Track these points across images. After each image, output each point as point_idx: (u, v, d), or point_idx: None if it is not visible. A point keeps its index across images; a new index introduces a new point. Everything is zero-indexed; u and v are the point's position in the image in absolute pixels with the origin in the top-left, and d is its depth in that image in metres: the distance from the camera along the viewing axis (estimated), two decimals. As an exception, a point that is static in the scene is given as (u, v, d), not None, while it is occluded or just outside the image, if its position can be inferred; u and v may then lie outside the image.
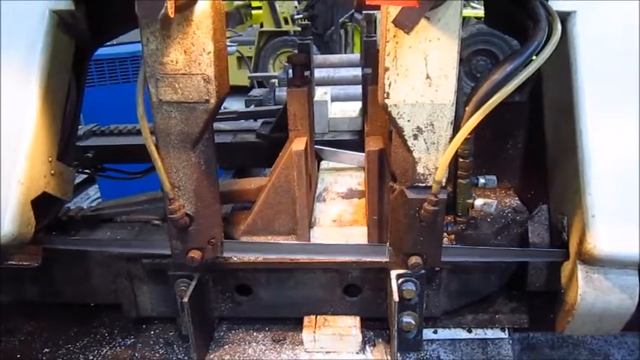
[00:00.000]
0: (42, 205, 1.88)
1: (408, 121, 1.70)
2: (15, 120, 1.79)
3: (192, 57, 1.68)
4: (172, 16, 1.49)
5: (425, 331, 2.20)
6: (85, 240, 2.21)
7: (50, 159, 1.92)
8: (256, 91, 5.41)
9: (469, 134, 1.68)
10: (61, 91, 1.98)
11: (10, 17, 1.81)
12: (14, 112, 1.79)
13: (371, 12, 3.20)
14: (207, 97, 1.73)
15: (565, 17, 1.78)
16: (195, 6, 1.62)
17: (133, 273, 2.25)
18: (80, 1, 1.87)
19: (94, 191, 6.27)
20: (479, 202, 1.87)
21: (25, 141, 1.79)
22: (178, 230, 1.93)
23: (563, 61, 1.81)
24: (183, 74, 1.70)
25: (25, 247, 1.93)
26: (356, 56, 5.91)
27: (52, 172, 1.94)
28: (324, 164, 2.89)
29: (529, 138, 2.43)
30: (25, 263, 2.02)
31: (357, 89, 4.58)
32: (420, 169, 1.78)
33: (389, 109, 1.69)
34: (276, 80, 5.62)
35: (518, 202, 2.44)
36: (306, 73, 2.38)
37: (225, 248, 2.05)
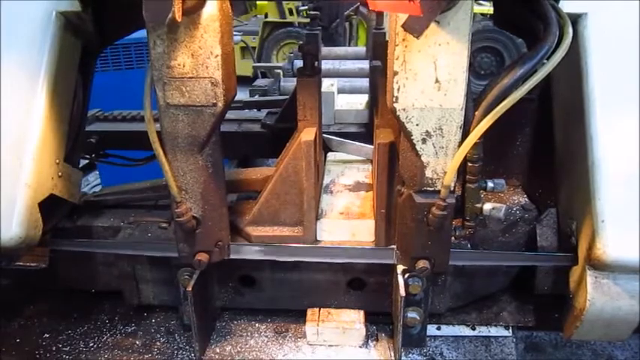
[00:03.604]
0: (49, 207, 1.88)
1: (417, 125, 1.69)
2: (22, 122, 1.79)
3: (199, 60, 1.67)
4: (179, 20, 1.49)
5: (428, 327, 2.21)
6: (92, 242, 2.22)
7: (57, 161, 1.92)
8: (261, 81, 5.38)
9: (478, 139, 1.67)
10: (68, 93, 1.97)
11: (16, 19, 1.81)
12: (21, 114, 1.79)
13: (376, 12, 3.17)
14: (214, 101, 1.73)
15: (576, 19, 1.76)
16: (202, 9, 1.60)
17: (136, 260, 2.26)
18: (87, 3, 1.86)
19: (93, 177, 6.27)
20: (487, 206, 1.86)
21: (32, 143, 1.79)
22: (185, 233, 1.93)
23: (573, 63, 1.79)
24: (191, 78, 1.69)
25: (33, 249, 1.93)
26: (361, 49, 5.86)
27: (59, 174, 1.94)
28: (330, 156, 2.87)
29: (538, 135, 2.42)
30: (32, 264, 2.03)
31: (363, 82, 4.55)
32: (428, 173, 1.77)
33: (397, 113, 1.68)
34: (280, 71, 5.60)
35: (527, 200, 2.44)
36: (316, 63, 2.36)
37: (232, 250, 2.05)
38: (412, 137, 1.71)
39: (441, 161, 1.75)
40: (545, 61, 1.65)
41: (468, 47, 1.58)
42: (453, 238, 1.92)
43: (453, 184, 1.75)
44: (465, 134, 1.70)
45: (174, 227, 1.96)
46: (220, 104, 1.74)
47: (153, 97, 1.75)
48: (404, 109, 1.67)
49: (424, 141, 1.72)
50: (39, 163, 1.81)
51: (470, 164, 1.83)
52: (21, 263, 2.01)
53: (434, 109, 1.66)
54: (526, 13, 1.84)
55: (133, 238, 2.25)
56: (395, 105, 1.67)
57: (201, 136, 1.79)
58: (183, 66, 1.68)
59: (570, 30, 1.64)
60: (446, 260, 1.91)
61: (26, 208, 1.77)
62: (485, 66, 10.10)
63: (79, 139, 2.15)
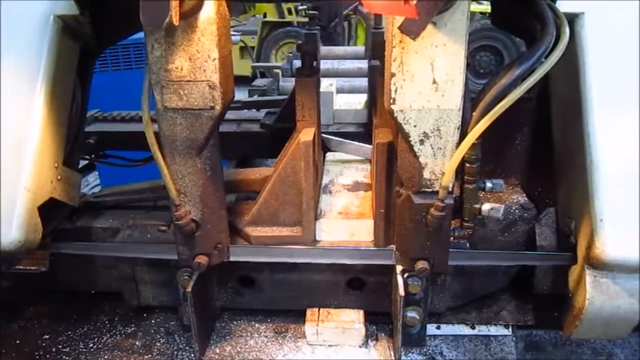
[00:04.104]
0: (49, 210, 1.88)
1: (415, 126, 1.70)
2: (21, 126, 1.79)
3: (197, 64, 1.67)
4: (176, 23, 1.49)
5: (428, 326, 2.21)
6: (92, 245, 2.22)
7: (56, 164, 1.92)
8: (260, 81, 5.39)
9: (476, 139, 1.67)
10: (67, 96, 1.97)
11: (14, 22, 1.80)
12: (20, 118, 1.79)
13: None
14: (212, 104, 1.73)
15: (573, 19, 1.76)
16: (199, 13, 1.61)
17: (135, 262, 2.26)
18: (84, 6, 1.86)
19: (93, 178, 6.25)
20: (486, 207, 1.87)
21: (31, 147, 1.79)
22: (184, 236, 1.93)
23: (570, 62, 1.79)
24: (189, 81, 1.69)
25: (33, 252, 1.93)
26: (360, 49, 5.87)
27: (59, 177, 1.94)
28: (329, 156, 2.88)
29: (536, 135, 2.42)
30: (32, 268, 2.03)
31: (362, 81, 4.55)
32: (426, 174, 1.77)
33: (395, 114, 1.68)
34: (279, 70, 5.60)
35: (526, 199, 2.44)
36: (315, 63, 2.36)
37: (231, 252, 2.05)
38: (410, 138, 1.72)
39: (439, 162, 1.75)
40: (542, 60, 1.65)
41: (465, 48, 1.59)
42: (452, 238, 1.92)
43: (451, 185, 1.76)
44: (463, 135, 1.70)
45: (173, 230, 1.96)
46: (218, 107, 1.74)
47: (151, 101, 1.75)
48: (401, 111, 1.67)
49: (422, 142, 1.72)
50: (38, 166, 1.80)
51: (468, 165, 1.83)
52: (21, 267, 2.02)
53: (431, 110, 1.66)
54: (523, 13, 1.84)
55: (132, 239, 2.25)
56: (392, 106, 1.67)
57: (199, 139, 1.79)
58: (181, 69, 1.68)
59: (567, 30, 1.64)
60: (445, 261, 1.91)
61: (26, 212, 1.76)
62: (485, 65, 10.12)
63: (77, 142, 2.14)
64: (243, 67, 9.55)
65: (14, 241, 1.75)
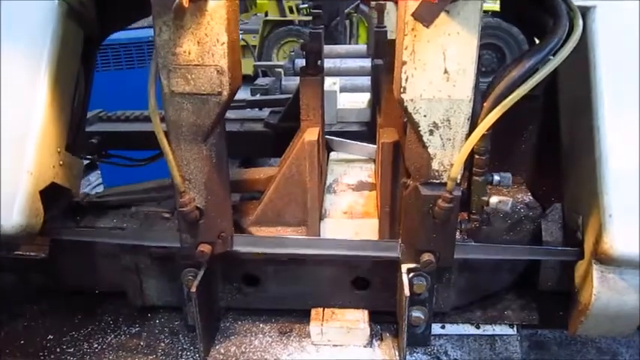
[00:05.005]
0: (50, 195, 1.86)
1: (425, 116, 1.68)
2: (24, 110, 1.77)
3: (205, 48, 1.65)
4: (186, 5, 1.47)
5: (433, 325, 2.17)
6: (94, 231, 2.19)
7: (59, 149, 1.91)
8: (262, 80, 5.39)
9: (486, 131, 1.66)
10: (70, 82, 1.96)
11: (19, 5, 1.78)
12: (23, 101, 1.77)
13: (382, 1, 3.18)
14: (220, 89, 1.70)
15: (584, 12, 1.74)
16: (209, -4, 1.59)
17: (139, 261, 2.23)
18: (90, -11, 1.85)
19: (95, 177, 6.25)
20: (494, 199, 1.84)
21: (34, 131, 1.77)
22: (188, 224, 1.90)
23: (580, 56, 1.78)
24: (196, 65, 1.67)
25: (33, 238, 1.90)
26: (362, 47, 5.87)
27: (61, 162, 1.92)
28: (333, 155, 2.87)
29: (543, 132, 2.40)
30: (32, 254, 2.01)
31: (365, 80, 4.56)
32: (435, 165, 1.75)
33: (405, 103, 1.66)
34: (281, 69, 5.60)
35: (531, 198, 2.42)
36: (319, 61, 2.34)
37: (235, 242, 2.02)
38: (419, 128, 1.70)
39: (448, 153, 1.73)
40: (550, 58, 1.64)
41: (478, 38, 1.57)
42: (458, 231, 1.90)
43: (459, 177, 1.74)
44: (473, 126, 1.68)
45: (177, 217, 1.94)
46: (226, 93, 1.71)
47: (158, 95, 1.73)
48: (412, 100, 1.65)
49: (431, 132, 1.70)
50: (41, 150, 1.79)
51: (477, 157, 1.81)
52: (21, 252, 1.99)
53: (442, 100, 1.64)
54: (534, 6, 1.83)
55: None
56: (402, 95, 1.65)
57: (205, 125, 1.76)
58: (189, 53, 1.65)
59: (580, 22, 1.63)
60: (451, 254, 1.89)
61: (28, 196, 1.75)
62: (487, 63, 10.11)
63: (80, 128, 2.12)
64: (245, 65, 9.48)
65: (16, 225, 1.73)
